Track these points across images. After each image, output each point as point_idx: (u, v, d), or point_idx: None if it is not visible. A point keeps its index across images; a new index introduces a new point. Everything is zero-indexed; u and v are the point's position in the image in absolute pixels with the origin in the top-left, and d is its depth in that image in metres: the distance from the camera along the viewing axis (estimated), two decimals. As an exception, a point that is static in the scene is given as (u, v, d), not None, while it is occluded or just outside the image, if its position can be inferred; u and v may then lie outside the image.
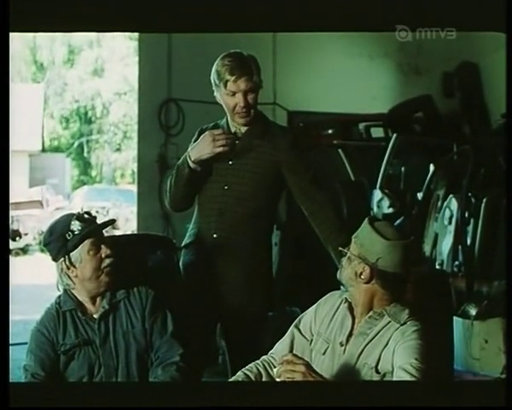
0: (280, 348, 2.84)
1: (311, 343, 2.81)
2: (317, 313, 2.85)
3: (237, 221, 3.34)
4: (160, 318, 3.02)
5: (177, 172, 3.38)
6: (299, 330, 2.85)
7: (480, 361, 5.07)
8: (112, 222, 3.16)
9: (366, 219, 2.77)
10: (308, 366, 2.55)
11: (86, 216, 3.00)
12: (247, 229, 3.35)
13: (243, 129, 3.37)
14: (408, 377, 2.53)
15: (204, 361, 3.41)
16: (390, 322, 2.69)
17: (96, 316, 3.00)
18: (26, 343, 3.07)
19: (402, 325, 2.67)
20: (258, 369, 2.81)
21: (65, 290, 3.03)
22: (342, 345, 2.73)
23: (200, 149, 3.31)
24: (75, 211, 3.03)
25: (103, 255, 2.97)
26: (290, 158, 3.35)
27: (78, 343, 2.97)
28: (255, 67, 3.29)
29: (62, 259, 2.97)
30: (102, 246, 2.98)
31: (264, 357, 2.86)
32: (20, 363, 3.03)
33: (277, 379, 2.58)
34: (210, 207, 3.38)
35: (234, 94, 3.27)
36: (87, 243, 2.95)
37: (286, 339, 2.85)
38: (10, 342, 2.68)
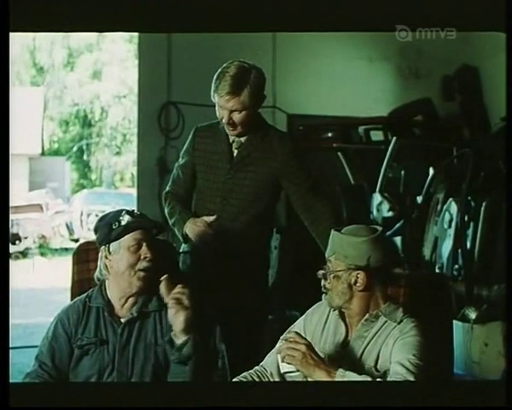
0: (269, 361, 2.83)
1: None
2: (307, 325, 2.83)
3: (235, 233, 3.34)
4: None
5: (174, 226, 3.42)
6: None
7: (479, 365, 5.06)
8: (159, 225, 3.05)
9: (333, 232, 2.75)
10: (309, 347, 2.55)
11: (137, 214, 2.97)
12: (245, 237, 3.35)
13: (243, 138, 3.36)
14: (404, 372, 2.52)
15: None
16: (386, 322, 2.69)
17: (122, 320, 2.93)
18: (25, 347, 3.06)
19: (399, 323, 2.67)
20: (252, 378, 2.80)
21: (99, 286, 2.98)
22: (338, 353, 2.72)
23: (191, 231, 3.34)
24: (130, 209, 3.01)
25: (142, 256, 2.90)
26: (289, 168, 3.34)
27: (94, 341, 2.90)
28: (252, 85, 3.23)
29: (103, 247, 2.94)
30: (144, 246, 2.91)
31: (256, 368, 2.84)
32: (19, 366, 3.02)
33: (278, 356, 2.60)
34: None
35: (221, 108, 3.25)
36: (130, 237, 2.90)
37: (275, 352, 2.81)
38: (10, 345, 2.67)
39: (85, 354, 2.90)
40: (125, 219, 2.93)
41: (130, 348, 2.90)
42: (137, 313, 2.92)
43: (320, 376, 2.56)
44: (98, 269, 2.97)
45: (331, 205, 3.49)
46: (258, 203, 3.35)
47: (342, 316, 2.76)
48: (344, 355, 2.70)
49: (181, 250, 3.47)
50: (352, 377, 2.53)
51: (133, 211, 2.99)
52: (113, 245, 2.92)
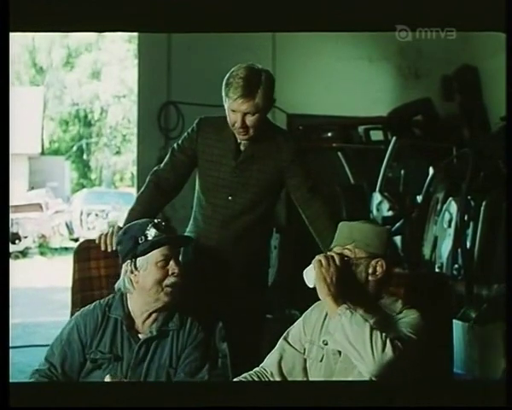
0: (269, 361, 2.82)
1: (304, 353, 2.78)
2: (306, 324, 2.82)
3: (239, 232, 3.33)
4: (196, 364, 2.87)
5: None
6: (289, 343, 2.82)
7: (479, 365, 5.06)
8: (188, 240, 3.02)
9: (351, 222, 2.80)
10: (339, 272, 2.60)
11: (164, 225, 2.89)
12: (248, 236, 3.34)
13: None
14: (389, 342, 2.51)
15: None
16: (385, 314, 2.68)
17: (140, 336, 2.87)
18: (25, 346, 3.04)
19: (398, 313, 2.67)
20: (252, 379, 2.79)
21: (121, 296, 2.91)
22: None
23: None
24: (156, 219, 2.91)
25: (170, 272, 2.83)
26: (294, 167, 3.32)
27: (108, 357, 2.83)
28: (265, 87, 3.18)
29: (129, 261, 2.85)
30: (172, 262, 2.85)
31: (256, 369, 2.83)
32: (19, 366, 3.01)
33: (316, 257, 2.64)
34: (213, 216, 3.35)
35: (234, 112, 3.21)
36: (157, 252, 2.83)
37: (275, 352, 2.82)
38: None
39: (98, 368, 2.84)
40: (152, 233, 2.85)
41: (144, 366, 2.84)
42: (157, 331, 2.86)
43: (327, 299, 2.60)
44: (122, 282, 2.88)
45: (331, 204, 3.49)
46: (261, 204, 3.35)
47: None
48: (340, 352, 2.68)
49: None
50: (347, 317, 2.54)
51: (159, 222, 2.91)
52: (139, 260, 2.84)
